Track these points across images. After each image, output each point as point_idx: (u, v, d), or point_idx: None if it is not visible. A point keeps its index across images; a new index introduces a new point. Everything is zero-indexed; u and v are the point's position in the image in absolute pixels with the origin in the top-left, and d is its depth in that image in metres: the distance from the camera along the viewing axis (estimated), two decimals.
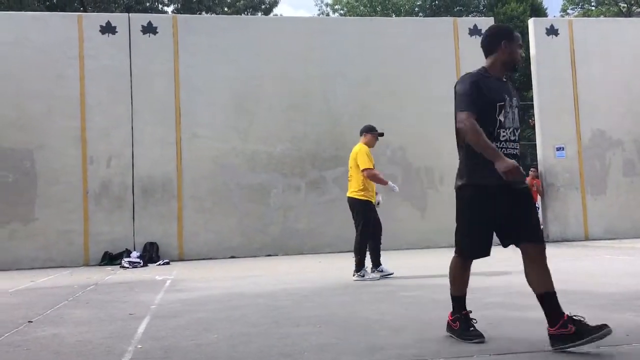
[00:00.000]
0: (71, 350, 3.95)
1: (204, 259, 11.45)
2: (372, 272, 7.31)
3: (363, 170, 7.26)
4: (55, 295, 6.88)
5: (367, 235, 7.32)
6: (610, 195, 13.11)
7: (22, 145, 11.28)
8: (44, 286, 7.99)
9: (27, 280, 8.75)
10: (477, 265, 8.75)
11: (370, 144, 7.61)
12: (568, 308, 4.74)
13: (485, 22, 13.29)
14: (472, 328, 3.85)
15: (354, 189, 7.40)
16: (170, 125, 11.77)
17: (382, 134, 7.80)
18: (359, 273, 7.18)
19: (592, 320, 3.84)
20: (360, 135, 7.73)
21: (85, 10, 25.91)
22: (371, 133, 7.67)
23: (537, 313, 4.59)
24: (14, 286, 7.98)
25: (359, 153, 7.40)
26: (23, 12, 15.73)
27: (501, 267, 8.10)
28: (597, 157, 13.18)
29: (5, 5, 22.27)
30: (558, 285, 6.00)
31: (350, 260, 9.11)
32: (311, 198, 12.09)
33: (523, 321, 4.32)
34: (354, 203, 7.40)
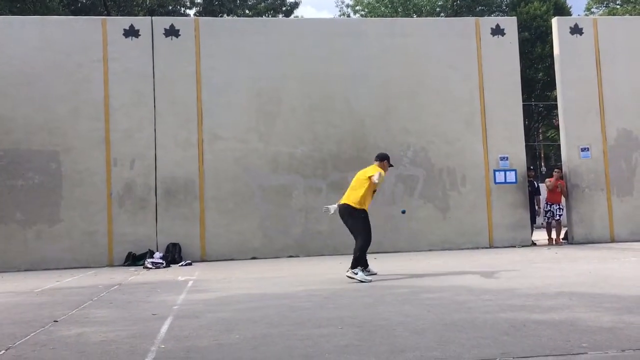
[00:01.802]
0: (95, 350, 4.00)
1: (225, 259, 11.51)
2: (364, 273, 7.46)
3: (370, 177, 7.51)
4: (80, 295, 6.98)
5: (370, 239, 7.65)
6: (636, 196, 12.87)
7: (48, 147, 11.46)
8: (69, 286, 8.11)
9: (52, 280, 8.89)
10: (499, 266, 8.70)
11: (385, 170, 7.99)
12: (594, 311, 4.68)
13: (508, 22, 13.16)
14: None
15: (354, 199, 7.58)
16: (192, 127, 11.86)
17: (392, 165, 8.22)
18: (353, 270, 7.37)
19: (618, 323, 3.79)
20: (377, 160, 7.96)
21: (109, 14, 26.28)
22: (388, 161, 8.01)
23: (560, 315, 4.54)
24: (40, 286, 8.11)
25: (373, 168, 7.74)
26: (48, 17, 15.98)
27: (523, 269, 8.01)
28: (623, 158, 12.96)
29: (32, 10, 22.68)
30: (585, 288, 5.96)
31: (370, 262, 9.07)
32: (332, 199, 12.02)
33: (546, 323, 4.26)
34: (352, 210, 7.58)
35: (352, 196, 7.62)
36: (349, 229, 7.74)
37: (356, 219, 7.57)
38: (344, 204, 7.67)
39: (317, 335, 4.17)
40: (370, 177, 7.49)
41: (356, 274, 7.31)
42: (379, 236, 8.88)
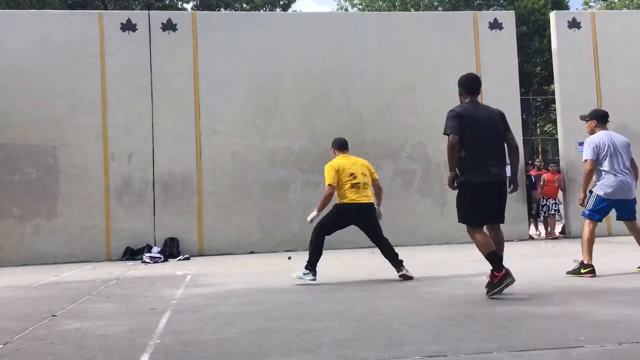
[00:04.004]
0: (94, 344, 4.01)
1: (223, 254, 11.51)
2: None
3: (377, 179, 7.20)
4: (78, 289, 6.97)
5: None
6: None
7: (45, 142, 11.43)
8: (67, 281, 8.11)
9: (50, 275, 8.88)
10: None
11: None
12: (592, 303, 4.70)
13: (506, 16, 13.14)
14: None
15: (371, 196, 7.05)
16: (190, 122, 11.84)
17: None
18: (406, 268, 6.82)
19: (615, 316, 3.81)
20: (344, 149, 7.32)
21: (105, 8, 26.18)
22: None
23: (558, 309, 4.55)
24: (38, 281, 8.11)
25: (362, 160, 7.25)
26: (45, 11, 15.92)
27: (521, 262, 8.03)
28: None
29: (28, 4, 22.59)
30: (582, 281, 5.98)
31: (369, 256, 9.06)
32: None
33: (543, 317, 4.28)
34: (373, 209, 7.07)
35: (370, 193, 7.02)
36: (375, 231, 6.99)
37: (377, 220, 7.05)
38: (371, 204, 6.98)
39: (315, 329, 4.18)
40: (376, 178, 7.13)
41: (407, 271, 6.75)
42: None
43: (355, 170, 7.03)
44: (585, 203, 6.63)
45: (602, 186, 6.53)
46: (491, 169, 5.21)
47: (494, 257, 5.14)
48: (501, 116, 5.45)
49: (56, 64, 11.54)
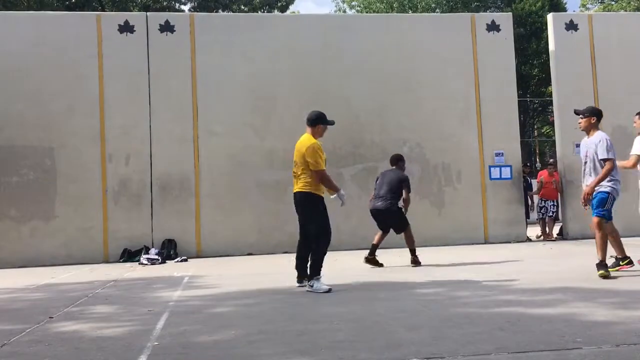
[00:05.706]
0: (91, 346, 4.00)
1: (221, 256, 11.50)
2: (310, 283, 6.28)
3: (316, 172, 6.44)
4: (76, 291, 6.96)
5: (329, 237, 6.50)
6: (631, 192, 12.86)
7: (43, 144, 11.41)
8: (64, 282, 8.09)
9: (48, 276, 8.87)
10: (494, 262, 8.72)
11: (319, 136, 6.72)
12: (589, 306, 4.70)
13: (503, 18, 13.16)
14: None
15: (306, 184, 6.44)
16: (187, 123, 11.83)
17: (332, 123, 6.92)
18: (316, 278, 6.27)
19: (612, 318, 3.81)
20: (309, 124, 6.76)
21: (103, 10, 26.17)
22: (323, 123, 6.72)
23: (555, 310, 4.56)
24: (35, 282, 8.09)
25: (309, 149, 6.41)
26: (42, 12, 15.91)
27: (518, 264, 8.05)
28: (618, 154, 12.88)
29: (26, 5, 22.57)
30: (579, 283, 5.99)
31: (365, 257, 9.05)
32: (328, 195, 12.05)
33: (541, 318, 4.28)
34: (306, 198, 6.44)
35: (303, 182, 6.47)
36: (304, 225, 6.60)
37: (312, 212, 6.44)
38: (297, 193, 6.53)
39: (312, 331, 4.18)
40: (310, 163, 6.36)
41: (312, 286, 6.19)
42: (373, 232, 8.90)
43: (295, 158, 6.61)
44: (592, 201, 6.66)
45: (615, 187, 6.75)
46: (380, 202, 8.55)
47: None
48: (400, 178, 8.63)
49: (54, 66, 11.53)
